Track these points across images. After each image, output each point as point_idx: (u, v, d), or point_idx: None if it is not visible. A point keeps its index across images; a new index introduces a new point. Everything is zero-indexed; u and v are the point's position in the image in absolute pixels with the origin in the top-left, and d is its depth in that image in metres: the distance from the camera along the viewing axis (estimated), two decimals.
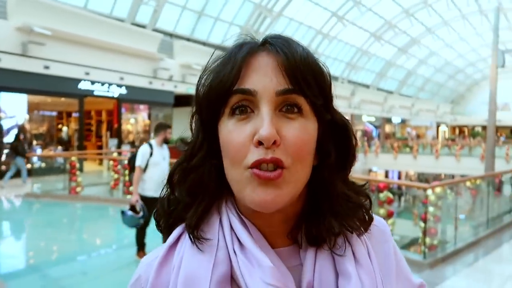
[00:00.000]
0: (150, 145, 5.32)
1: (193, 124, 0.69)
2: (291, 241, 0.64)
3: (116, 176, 11.52)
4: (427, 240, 6.45)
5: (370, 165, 28.90)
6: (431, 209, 6.82)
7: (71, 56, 13.84)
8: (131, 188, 7.32)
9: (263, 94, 0.58)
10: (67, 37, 13.53)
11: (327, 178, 0.63)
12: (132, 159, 5.52)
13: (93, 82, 14.91)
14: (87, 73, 14.53)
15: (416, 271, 5.64)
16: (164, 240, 0.66)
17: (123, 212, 5.22)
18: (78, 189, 11.01)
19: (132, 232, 5.64)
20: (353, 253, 0.62)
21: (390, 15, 28.99)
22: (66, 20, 13.45)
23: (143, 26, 17.25)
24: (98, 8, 15.72)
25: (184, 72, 18.36)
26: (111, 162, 12.01)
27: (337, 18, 26.35)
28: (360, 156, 20.75)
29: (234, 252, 0.60)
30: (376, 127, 37.68)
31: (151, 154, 5.24)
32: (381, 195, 6.65)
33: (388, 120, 38.21)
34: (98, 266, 6.07)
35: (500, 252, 7.16)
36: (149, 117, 19.04)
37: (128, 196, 11.19)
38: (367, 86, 34.73)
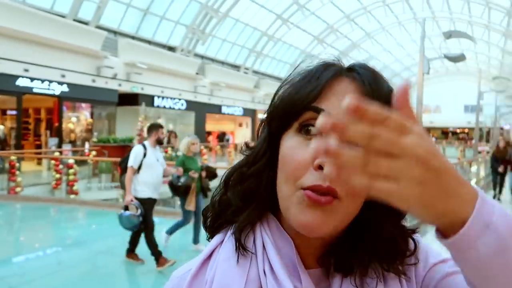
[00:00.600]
0: (144, 146, 5.25)
1: (260, 131, 0.69)
2: (322, 265, 0.64)
3: (58, 176, 11.30)
4: None
5: None
6: None
7: (8, 51, 13.35)
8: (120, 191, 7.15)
9: None
10: (4, 32, 13.04)
11: (378, 218, 0.61)
12: (124, 161, 5.41)
13: (32, 79, 14.44)
14: (26, 70, 14.06)
15: None
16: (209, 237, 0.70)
17: (120, 215, 5.14)
18: (18, 189, 10.71)
19: (75, 232, 5.61)
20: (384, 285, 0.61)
21: (332, 19, 30.20)
22: (3, 14, 12.96)
23: (85, 23, 16.90)
24: (38, 2, 15.23)
25: (128, 71, 18.18)
26: (52, 162, 11.76)
27: (282, 20, 27.08)
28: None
29: (264, 272, 0.60)
30: None
31: (144, 155, 5.18)
32: None
33: None
34: (37, 267, 5.92)
35: None
36: (92, 116, 18.65)
37: (72, 196, 11.05)
38: None
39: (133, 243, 5.42)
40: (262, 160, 0.65)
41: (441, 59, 18.54)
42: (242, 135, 29.94)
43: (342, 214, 0.57)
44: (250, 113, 28.91)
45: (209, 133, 27.24)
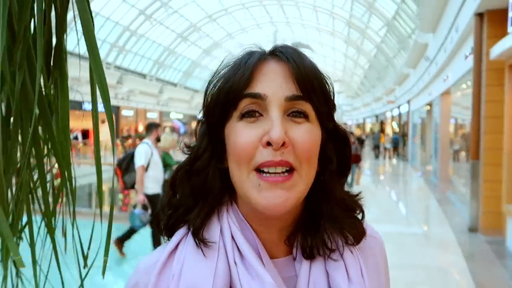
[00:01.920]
0: (148, 145, 5.35)
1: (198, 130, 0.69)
2: (287, 252, 0.65)
3: None
4: None
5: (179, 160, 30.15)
6: None
7: None
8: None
9: (273, 98, 0.60)
10: None
11: (328, 183, 0.65)
12: (123, 161, 5.44)
13: None
14: None
15: None
16: (155, 240, 0.87)
17: (132, 213, 5.14)
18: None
19: None
20: (346, 270, 0.62)
21: (195, 18, 30.70)
22: None
23: None
24: None
25: None
26: None
27: (145, 16, 26.63)
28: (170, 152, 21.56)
29: (235, 262, 0.60)
30: (184, 123, 39.31)
31: (151, 153, 5.29)
32: None
33: (195, 118, 40.28)
34: None
35: None
36: None
37: None
38: (175, 85, 35.93)
39: (128, 236, 5.41)
40: (204, 155, 0.65)
41: None
42: (106, 132, 28.54)
43: (301, 184, 0.59)
44: (113, 110, 27.74)
45: None
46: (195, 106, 37.38)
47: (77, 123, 26.77)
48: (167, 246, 0.64)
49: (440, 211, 8.83)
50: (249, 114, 0.61)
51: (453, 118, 12.64)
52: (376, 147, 25.24)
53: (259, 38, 37.43)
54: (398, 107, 27.38)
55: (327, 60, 45.45)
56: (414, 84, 18.52)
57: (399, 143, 25.41)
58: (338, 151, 0.67)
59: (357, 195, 0.70)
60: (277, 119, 0.58)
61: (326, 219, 0.64)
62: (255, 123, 0.60)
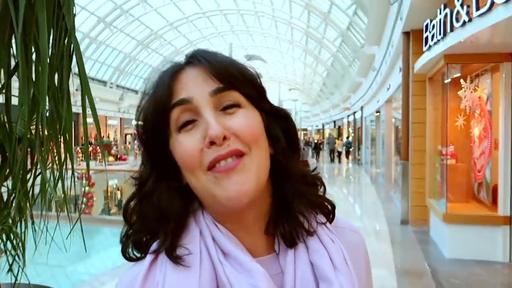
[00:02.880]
0: None
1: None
2: (269, 250, 0.65)
3: None
4: None
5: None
6: None
7: None
8: None
9: (199, 99, 0.61)
10: None
11: (283, 161, 0.66)
12: None
13: None
14: None
15: None
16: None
17: None
18: None
19: None
20: (331, 259, 0.62)
21: (156, 26, 31.03)
22: None
23: None
24: None
25: None
26: None
27: (105, 24, 26.73)
28: (130, 158, 21.79)
29: (220, 261, 0.60)
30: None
31: None
32: None
33: None
34: None
35: None
36: None
37: None
38: (136, 91, 35.99)
39: None
40: (151, 178, 0.65)
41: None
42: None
43: (255, 166, 0.60)
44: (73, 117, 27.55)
45: None
46: None
47: None
48: (146, 258, 0.63)
49: (380, 208, 9.75)
50: (185, 125, 0.61)
51: (394, 125, 13.75)
52: (331, 152, 26.51)
53: (219, 46, 38.11)
54: (353, 114, 28.71)
55: (287, 68, 46.72)
56: (366, 92, 19.67)
57: (351, 147, 26.85)
58: (283, 130, 0.68)
59: (313, 170, 0.72)
60: (210, 116, 0.59)
61: (293, 197, 0.65)
62: (193, 129, 0.61)
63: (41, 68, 1.24)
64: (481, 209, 5.95)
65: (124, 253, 0.66)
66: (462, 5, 4.67)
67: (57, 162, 1.44)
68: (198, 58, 0.64)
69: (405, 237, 7.01)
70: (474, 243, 5.57)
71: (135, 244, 0.65)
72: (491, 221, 5.52)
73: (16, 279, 1.68)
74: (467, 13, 4.55)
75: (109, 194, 10.18)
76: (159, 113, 0.62)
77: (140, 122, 0.66)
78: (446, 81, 6.19)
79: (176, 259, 0.60)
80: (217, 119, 0.59)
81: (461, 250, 5.60)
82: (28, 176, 1.53)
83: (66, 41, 1.44)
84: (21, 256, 1.64)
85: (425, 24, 6.15)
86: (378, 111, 17.59)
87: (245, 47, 39.49)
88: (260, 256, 0.64)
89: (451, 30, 5.10)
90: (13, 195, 1.49)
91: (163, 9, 29.04)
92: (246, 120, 0.61)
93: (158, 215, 0.63)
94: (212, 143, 0.58)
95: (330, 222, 0.69)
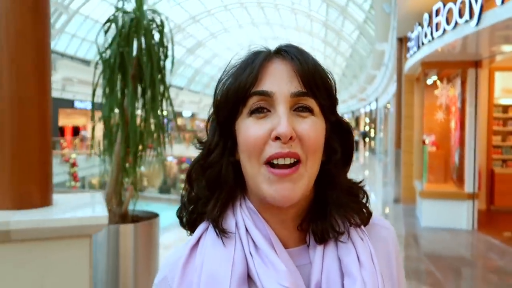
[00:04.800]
0: None
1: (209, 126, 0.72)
2: (301, 241, 0.68)
3: None
4: None
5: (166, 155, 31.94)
6: None
7: None
8: None
9: (279, 95, 0.63)
10: None
11: (333, 172, 0.68)
12: None
13: None
14: None
15: None
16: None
17: None
18: None
19: None
20: (357, 256, 0.64)
21: (180, 19, 32.50)
22: None
23: None
24: None
25: None
26: None
27: None
28: None
29: (250, 253, 0.63)
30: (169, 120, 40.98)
31: None
32: None
33: (180, 114, 42.10)
34: None
35: None
36: None
37: None
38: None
39: None
40: (217, 150, 0.68)
41: None
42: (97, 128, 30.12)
43: (307, 176, 0.63)
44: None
45: (61, 128, 27.11)
46: (180, 103, 39.16)
47: (68, 120, 28.43)
48: (189, 241, 0.68)
49: (381, 190, 11.07)
50: (258, 111, 0.64)
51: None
52: None
53: (240, 38, 39.36)
54: (369, 104, 29.68)
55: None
56: (379, 84, 20.72)
57: (366, 137, 27.99)
58: (342, 143, 0.71)
59: (360, 182, 0.74)
60: (284, 114, 0.62)
61: (332, 206, 0.67)
62: (264, 119, 0.63)
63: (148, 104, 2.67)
64: (454, 188, 7.25)
65: (181, 218, 0.72)
66: (429, 25, 5.93)
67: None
68: (290, 54, 0.66)
69: (394, 213, 8.36)
70: (444, 214, 6.87)
71: (187, 222, 0.72)
72: (458, 196, 6.81)
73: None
74: (431, 33, 5.81)
75: None
76: (240, 94, 0.65)
77: (219, 92, 0.69)
78: (428, 83, 7.45)
79: (220, 231, 0.65)
80: (289, 118, 0.62)
81: (434, 220, 6.90)
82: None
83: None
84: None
85: (408, 35, 7.40)
86: (388, 103, 18.67)
87: (266, 38, 40.57)
88: (292, 247, 0.67)
89: (423, 44, 6.36)
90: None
91: (186, 3, 30.39)
92: (314, 129, 0.64)
93: (215, 184, 0.68)
94: (277, 138, 0.61)
95: (364, 226, 0.71)
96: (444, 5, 5.34)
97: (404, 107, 8.76)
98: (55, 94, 23.59)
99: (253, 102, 0.64)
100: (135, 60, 2.72)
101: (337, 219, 0.66)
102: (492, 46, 5.70)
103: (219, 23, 36.41)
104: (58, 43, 24.72)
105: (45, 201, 1.92)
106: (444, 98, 7.22)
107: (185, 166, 11.54)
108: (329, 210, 0.67)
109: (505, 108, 8.31)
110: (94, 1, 24.03)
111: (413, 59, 7.11)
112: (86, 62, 27.73)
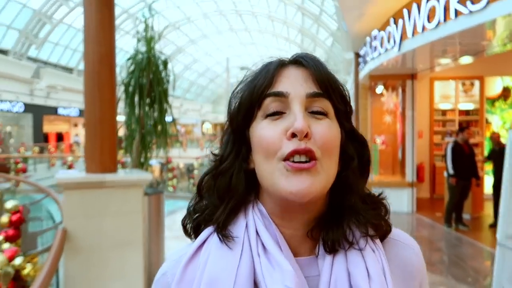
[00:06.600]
0: None
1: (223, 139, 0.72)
2: (311, 251, 0.67)
3: None
4: None
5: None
6: None
7: None
8: None
9: (295, 95, 0.63)
10: None
11: (351, 179, 0.67)
12: None
13: None
14: None
15: None
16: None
17: None
18: None
19: None
20: (367, 269, 0.62)
21: (160, 27, 33.40)
22: None
23: None
24: None
25: None
26: None
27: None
28: None
29: (258, 254, 0.62)
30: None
31: None
32: None
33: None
34: None
35: None
36: None
37: None
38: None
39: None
40: (229, 158, 0.68)
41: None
42: (78, 134, 30.89)
43: (324, 173, 0.62)
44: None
45: (45, 135, 27.71)
46: None
47: (51, 126, 28.98)
48: (195, 241, 0.68)
49: None
50: (273, 114, 0.64)
51: None
52: None
53: (220, 44, 40.48)
54: None
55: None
56: (350, 88, 22.29)
57: None
58: (358, 153, 0.69)
59: (379, 194, 0.72)
60: (300, 112, 0.62)
61: (347, 212, 0.66)
62: (279, 120, 0.63)
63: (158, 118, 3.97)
64: (398, 178, 8.73)
65: (185, 226, 0.72)
66: (370, 47, 7.38)
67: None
68: (306, 60, 0.67)
69: None
70: (390, 200, 8.27)
71: (191, 229, 0.71)
72: (400, 185, 8.29)
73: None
74: (372, 53, 7.27)
75: None
76: (255, 96, 0.65)
77: (232, 101, 0.70)
78: (377, 91, 8.93)
79: (224, 237, 0.64)
80: (305, 117, 0.62)
81: None
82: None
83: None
84: None
85: (359, 52, 8.89)
86: None
87: (244, 44, 41.76)
88: (301, 256, 0.66)
89: (367, 61, 7.82)
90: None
91: (166, 12, 31.36)
92: (329, 130, 0.63)
93: (225, 192, 0.67)
94: (293, 135, 0.61)
95: (382, 240, 0.69)
96: (379, 32, 6.82)
97: (361, 110, 10.22)
98: (39, 101, 24.32)
99: (267, 103, 0.65)
100: (148, 85, 4.02)
101: (351, 227, 0.65)
102: (417, 64, 7.26)
103: (198, 30, 37.46)
104: (41, 52, 25.42)
105: (114, 169, 3.36)
106: (390, 104, 8.70)
107: (171, 165, 12.68)
108: (343, 217, 0.66)
109: (444, 112, 9.95)
110: (77, 10, 24.89)
111: (363, 72, 8.58)
112: (69, 70, 28.38)
